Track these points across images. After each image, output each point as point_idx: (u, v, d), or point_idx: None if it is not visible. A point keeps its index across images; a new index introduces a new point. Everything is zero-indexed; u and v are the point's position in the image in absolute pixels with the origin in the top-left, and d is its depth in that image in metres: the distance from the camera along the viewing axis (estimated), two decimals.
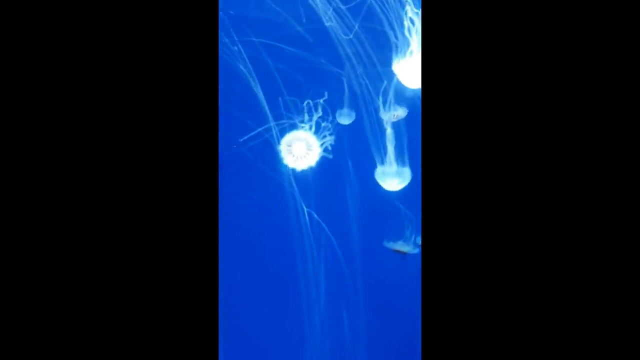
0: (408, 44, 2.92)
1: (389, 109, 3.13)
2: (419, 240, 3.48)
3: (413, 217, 3.48)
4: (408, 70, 2.94)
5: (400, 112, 3.12)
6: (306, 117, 3.23)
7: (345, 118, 3.31)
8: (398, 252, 3.46)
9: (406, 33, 2.89)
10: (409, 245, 3.47)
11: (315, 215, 3.47)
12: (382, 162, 3.25)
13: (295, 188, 3.43)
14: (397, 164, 3.24)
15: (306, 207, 3.48)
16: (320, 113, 3.24)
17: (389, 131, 3.17)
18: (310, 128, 3.26)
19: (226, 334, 2.32)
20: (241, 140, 3.31)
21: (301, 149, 3.25)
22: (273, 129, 3.29)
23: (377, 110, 3.18)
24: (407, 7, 2.85)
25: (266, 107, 3.29)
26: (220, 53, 3.08)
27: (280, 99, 3.27)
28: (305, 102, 3.23)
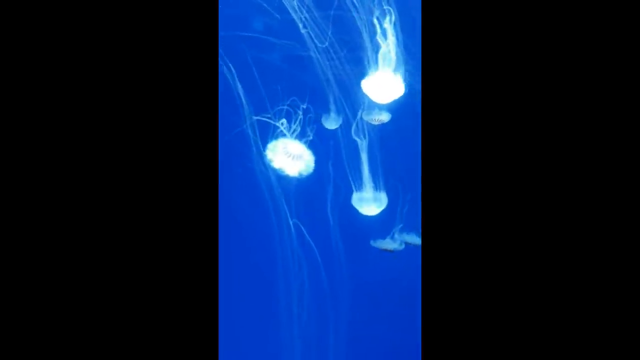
0: (376, 61, 2.82)
1: (372, 112, 3.03)
2: (406, 237, 3.43)
3: (407, 205, 3.43)
4: (376, 86, 2.86)
5: (384, 117, 3.01)
6: (284, 122, 3.14)
7: (331, 122, 3.21)
8: (386, 250, 3.42)
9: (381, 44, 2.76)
10: (396, 242, 3.42)
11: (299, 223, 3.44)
12: (360, 188, 3.20)
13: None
14: (374, 189, 3.17)
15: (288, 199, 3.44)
16: (300, 115, 3.14)
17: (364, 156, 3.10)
18: (293, 124, 3.18)
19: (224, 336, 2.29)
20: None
21: (297, 149, 3.19)
22: (248, 121, 3.21)
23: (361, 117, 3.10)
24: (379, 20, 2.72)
25: (244, 102, 3.20)
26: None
27: (261, 92, 3.18)
28: (287, 102, 3.13)
